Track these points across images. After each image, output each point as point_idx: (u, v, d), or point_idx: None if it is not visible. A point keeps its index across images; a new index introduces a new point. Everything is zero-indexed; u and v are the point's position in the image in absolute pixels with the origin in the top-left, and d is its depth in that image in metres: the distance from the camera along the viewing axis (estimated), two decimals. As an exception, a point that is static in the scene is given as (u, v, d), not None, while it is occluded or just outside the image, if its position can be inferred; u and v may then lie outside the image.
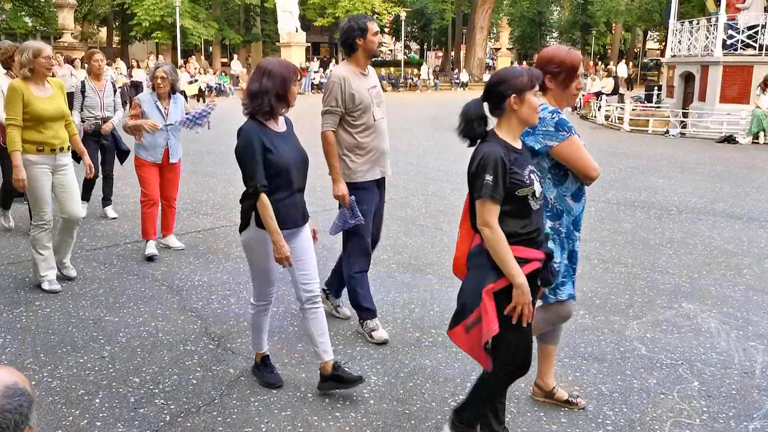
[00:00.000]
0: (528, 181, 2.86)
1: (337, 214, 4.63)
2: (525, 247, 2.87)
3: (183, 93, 22.49)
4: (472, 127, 2.93)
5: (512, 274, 2.78)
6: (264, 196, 3.40)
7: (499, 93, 2.90)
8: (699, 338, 4.63)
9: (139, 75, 26.16)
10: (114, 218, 7.60)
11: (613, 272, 6.03)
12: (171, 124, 6.19)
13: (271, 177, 3.44)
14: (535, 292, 2.92)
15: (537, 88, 2.94)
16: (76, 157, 5.73)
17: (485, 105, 2.96)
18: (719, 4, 18.38)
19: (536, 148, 3.24)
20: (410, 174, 11.07)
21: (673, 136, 17.43)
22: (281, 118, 3.60)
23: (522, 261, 2.83)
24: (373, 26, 4.38)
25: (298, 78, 3.46)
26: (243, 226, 3.59)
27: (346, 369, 3.80)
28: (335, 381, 3.69)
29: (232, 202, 8.73)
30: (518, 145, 2.96)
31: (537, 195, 2.90)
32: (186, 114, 6.17)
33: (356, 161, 4.42)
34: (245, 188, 3.48)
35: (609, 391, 3.87)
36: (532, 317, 2.86)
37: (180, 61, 34.47)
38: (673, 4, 21.63)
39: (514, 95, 2.86)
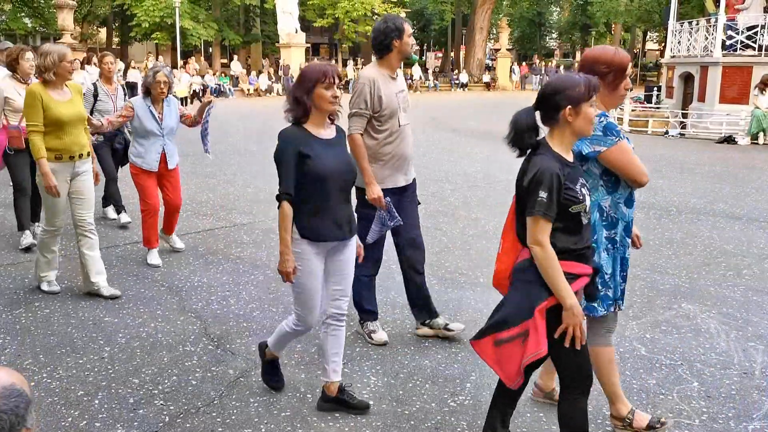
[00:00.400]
0: (581, 197, 2.75)
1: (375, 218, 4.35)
2: (575, 262, 2.77)
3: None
4: (522, 137, 2.81)
5: (563, 296, 2.67)
6: (286, 205, 3.25)
7: (553, 103, 2.76)
8: (698, 339, 4.63)
9: (134, 76, 26.14)
10: (114, 219, 7.59)
11: (613, 273, 6.02)
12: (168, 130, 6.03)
13: (307, 185, 3.27)
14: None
15: (594, 98, 2.78)
16: None
17: (537, 114, 2.82)
18: (719, 5, 18.39)
19: (584, 153, 3.10)
20: (410, 175, 11.05)
21: (672, 136, 17.44)
22: (331, 126, 3.42)
23: (571, 277, 2.73)
24: (409, 27, 4.25)
25: (333, 81, 3.24)
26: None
27: (352, 393, 3.64)
28: (338, 404, 3.57)
29: (231, 203, 8.74)
30: (570, 157, 2.83)
31: (587, 210, 2.81)
32: (204, 127, 6.15)
33: (377, 168, 4.25)
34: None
35: (608, 391, 3.86)
36: (584, 338, 2.76)
37: (180, 62, 34.50)
38: (672, 5, 21.64)
39: (569, 107, 2.73)
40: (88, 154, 5.20)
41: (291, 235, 3.29)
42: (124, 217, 7.48)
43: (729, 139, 16.08)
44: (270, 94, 33.39)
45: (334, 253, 3.46)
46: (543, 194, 2.67)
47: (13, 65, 6.14)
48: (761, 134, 15.75)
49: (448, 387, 3.89)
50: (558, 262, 2.69)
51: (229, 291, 5.40)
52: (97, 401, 3.66)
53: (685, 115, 18.24)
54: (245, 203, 8.75)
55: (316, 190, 3.28)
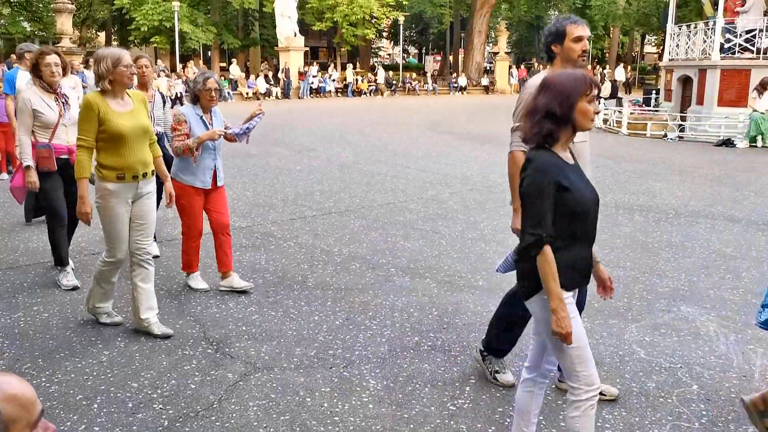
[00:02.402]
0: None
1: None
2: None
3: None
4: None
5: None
6: (548, 249, 2.66)
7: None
8: (698, 341, 4.63)
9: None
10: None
11: (612, 275, 6.02)
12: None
13: (564, 223, 2.71)
14: None
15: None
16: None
17: None
18: (717, 8, 18.42)
19: None
20: (408, 178, 11.07)
21: (671, 139, 17.45)
22: (568, 146, 2.86)
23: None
24: (576, 30, 3.60)
25: (588, 93, 2.70)
26: (532, 290, 2.79)
27: None
28: None
29: (230, 207, 8.71)
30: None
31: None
32: (245, 126, 5.46)
33: None
34: (523, 237, 2.75)
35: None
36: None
37: (179, 66, 34.52)
38: (670, 8, 21.70)
39: None
40: (153, 173, 4.57)
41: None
42: (155, 249, 6.21)
43: (727, 142, 16.10)
44: (269, 97, 33.42)
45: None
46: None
47: (36, 71, 5.37)
48: (759, 137, 15.77)
49: (447, 390, 3.88)
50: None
51: (228, 294, 5.40)
52: (96, 405, 3.65)
53: (683, 118, 18.26)
54: (244, 207, 8.74)
55: (575, 228, 2.75)
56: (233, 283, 5.49)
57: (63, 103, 5.43)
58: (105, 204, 4.37)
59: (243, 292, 5.46)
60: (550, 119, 2.69)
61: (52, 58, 5.31)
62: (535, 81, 3.51)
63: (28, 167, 5.28)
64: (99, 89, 4.34)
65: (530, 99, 2.94)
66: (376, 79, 39.30)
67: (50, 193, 5.52)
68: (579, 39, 3.60)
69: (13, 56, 23.29)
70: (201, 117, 5.32)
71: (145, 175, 4.45)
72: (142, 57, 6.24)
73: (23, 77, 7.96)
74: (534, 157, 2.73)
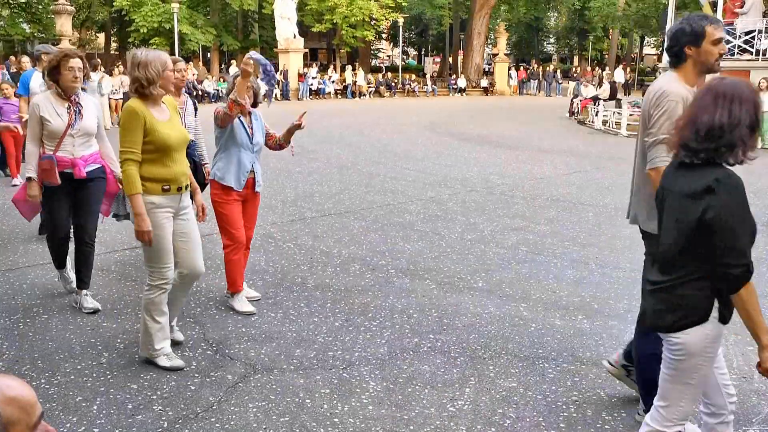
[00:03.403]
0: None
1: None
2: None
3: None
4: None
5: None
6: (753, 285, 2.40)
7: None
8: (697, 343, 4.62)
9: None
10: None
11: (612, 277, 6.03)
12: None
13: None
14: None
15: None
16: None
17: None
18: (716, 10, 18.44)
19: None
20: (408, 179, 11.08)
21: (670, 141, 17.45)
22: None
23: None
24: (716, 32, 3.23)
25: None
26: (696, 320, 2.52)
27: None
28: None
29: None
30: None
31: None
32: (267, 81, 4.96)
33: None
34: (724, 264, 2.42)
35: (608, 396, 3.86)
36: None
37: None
38: (670, 10, 21.72)
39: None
40: (188, 186, 4.26)
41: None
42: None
43: (727, 144, 16.10)
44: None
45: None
46: None
47: (54, 75, 4.82)
48: (758, 139, 15.77)
49: (447, 392, 3.88)
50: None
51: (227, 296, 5.39)
52: (95, 407, 3.65)
53: (682, 120, 18.27)
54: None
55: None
56: (237, 302, 5.24)
57: (75, 112, 4.90)
58: (150, 220, 3.94)
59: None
60: (751, 132, 2.50)
61: (77, 62, 4.83)
62: (675, 87, 3.25)
63: (29, 179, 4.92)
64: (135, 95, 3.97)
65: (695, 110, 2.56)
66: (355, 81, 38.61)
67: (54, 211, 5.12)
68: (718, 41, 3.26)
69: (12, 58, 23.33)
70: (240, 118, 4.99)
71: (187, 186, 4.19)
72: (180, 61, 5.79)
73: (38, 79, 7.81)
74: (730, 175, 2.52)
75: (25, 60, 11.13)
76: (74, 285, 5.27)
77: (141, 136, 3.89)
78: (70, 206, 5.11)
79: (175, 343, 4.35)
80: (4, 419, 1.44)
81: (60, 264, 5.41)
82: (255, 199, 5.24)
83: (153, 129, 3.92)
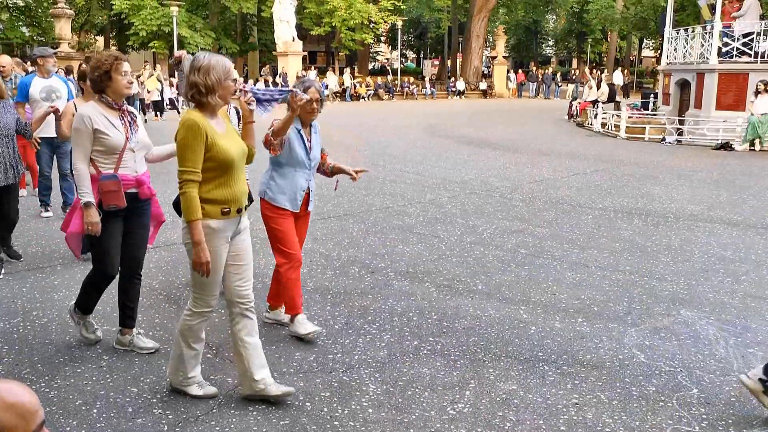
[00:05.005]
0: None
1: None
2: None
3: (142, 101, 22.24)
4: None
5: None
6: None
7: None
8: (697, 345, 4.63)
9: (132, 88, 25.93)
10: None
11: (611, 279, 6.04)
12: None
13: None
14: None
15: None
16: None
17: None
18: (714, 12, 18.47)
19: None
20: (407, 182, 11.08)
21: (669, 143, 17.48)
22: None
23: None
24: None
25: None
26: None
27: None
28: None
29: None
30: None
31: None
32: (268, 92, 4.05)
33: None
34: None
35: (608, 398, 3.86)
36: None
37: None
38: (668, 13, 21.73)
39: None
40: (247, 207, 3.83)
41: None
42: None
43: (726, 146, 16.12)
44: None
45: None
46: None
47: (101, 83, 4.12)
48: (757, 141, 15.80)
49: (447, 395, 3.88)
50: None
51: (284, 320, 5.37)
52: (95, 410, 3.65)
53: (681, 122, 18.30)
54: (243, 211, 8.72)
55: None
56: (280, 317, 4.87)
57: (129, 122, 4.23)
58: (206, 246, 3.49)
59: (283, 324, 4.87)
60: None
61: (127, 66, 4.26)
62: None
63: (87, 204, 4.07)
64: (193, 106, 3.54)
65: None
66: (328, 85, 37.99)
67: (110, 245, 4.25)
68: None
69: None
70: (299, 131, 4.52)
71: (246, 206, 3.77)
72: None
73: (38, 84, 7.73)
74: None
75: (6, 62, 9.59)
76: (99, 333, 4.56)
77: (202, 153, 3.44)
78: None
79: (287, 396, 3.76)
80: (1, 425, 1.43)
81: (89, 308, 4.51)
82: (306, 217, 4.80)
83: (214, 143, 3.46)
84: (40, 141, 7.13)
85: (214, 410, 3.66)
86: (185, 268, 6.20)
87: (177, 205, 5.15)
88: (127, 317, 4.45)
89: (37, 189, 9.08)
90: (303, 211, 4.68)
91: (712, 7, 19.18)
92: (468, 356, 4.40)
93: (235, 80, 3.56)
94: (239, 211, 3.64)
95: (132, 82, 4.31)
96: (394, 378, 4.08)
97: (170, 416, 3.59)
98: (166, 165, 4.89)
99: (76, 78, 6.93)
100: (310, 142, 4.59)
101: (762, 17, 18.27)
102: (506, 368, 4.23)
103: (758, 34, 17.48)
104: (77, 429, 3.46)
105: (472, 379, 4.07)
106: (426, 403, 3.78)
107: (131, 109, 4.30)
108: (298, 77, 35.78)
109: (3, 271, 5.91)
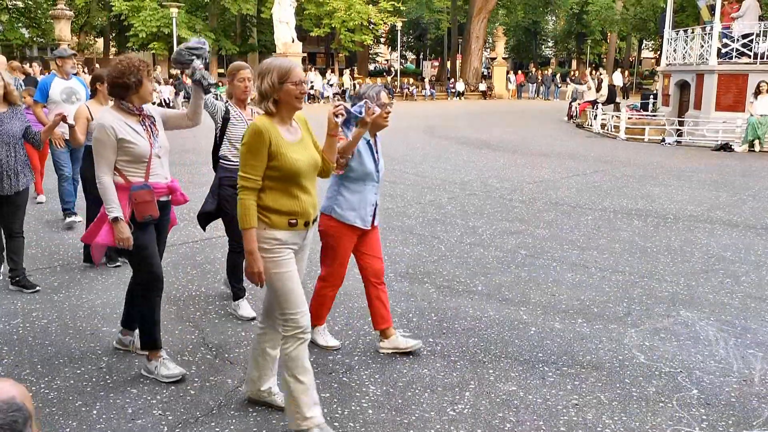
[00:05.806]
0: None
1: None
2: None
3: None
4: None
5: None
6: None
7: None
8: (697, 346, 4.63)
9: None
10: None
11: (611, 280, 6.04)
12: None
13: None
14: None
15: None
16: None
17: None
18: (713, 13, 18.49)
19: None
20: (407, 183, 11.08)
21: (669, 144, 17.48)
22: None
23: None
24: None
25: None
26: None
27: None
28: None
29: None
30: None
31: None
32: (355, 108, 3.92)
33: None
34: None
35: (608, 399, 3.86)
36: None
37: (177, 72, 34.55)
38: (667, 14, 21.75)
39: None
40: (316, 220, 3.59)
41: None
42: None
43: (725, 147, 16.13)
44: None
45: None
46: None
47: (132, 88, 3.92)
48: (756, 142, 15.81)
49: (447, 396, 3.88)
50: None
51: (226, 300, 5.39)
52: (95, 411, 3.65)
53: (681, 123, 18.31)
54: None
55: None
56: (399, 344, 4.45)
57: (149, 126, 4.01)
58: (272, 259, 3.35)
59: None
60: None
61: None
62: None
63: (116, 220, 3.84)
64: (259, 112, 3.38)
65: None
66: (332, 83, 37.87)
67: (150, 256, 4.02)
68: None
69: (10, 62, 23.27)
70: (368, 141, 4.20)
71: (315, 220, 3.56)
72: (244, 68, 5.10)
73: (58, 86, 7.59)
74: None
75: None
76: (182, 370, 4.11)
77: (264, 161, 3.28)
78: None
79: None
80: (30, 413, 1.47)
81: (155, 339, 4.10)
82: (374, 230, 4.42)
83: (278, 152, 3.29)
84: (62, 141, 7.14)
85: (214, 411, 3.66)
86: (185, 269, 6.20)
87: (201, 218, 5.18)
88: (132, 320, 4.36)
89: (39, 194, 9.10)
90: (371, 225, 4.37)
91: (712, 8, 19.20)
92: (468, 357, 4.40)
93: (299, 82, 3.33)
94: (306, 224, 3.44)
95: (155, 89, 4.05)
96: (394, 379, 4.08)
97: (170, 417, 3.59)
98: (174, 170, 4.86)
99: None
100: (378, 153, 4.29)
101: (761, 18, 18.28)
102: (506, 369, 4.23)
103: (757, 35, 17.49)
104: (77, 430, 3.46)
105: (472, 380, 4.07)
106: (426, 404, 3.78)
107: (151, 112, 4.08)
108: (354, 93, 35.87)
109: (3, 271, 5.90)
